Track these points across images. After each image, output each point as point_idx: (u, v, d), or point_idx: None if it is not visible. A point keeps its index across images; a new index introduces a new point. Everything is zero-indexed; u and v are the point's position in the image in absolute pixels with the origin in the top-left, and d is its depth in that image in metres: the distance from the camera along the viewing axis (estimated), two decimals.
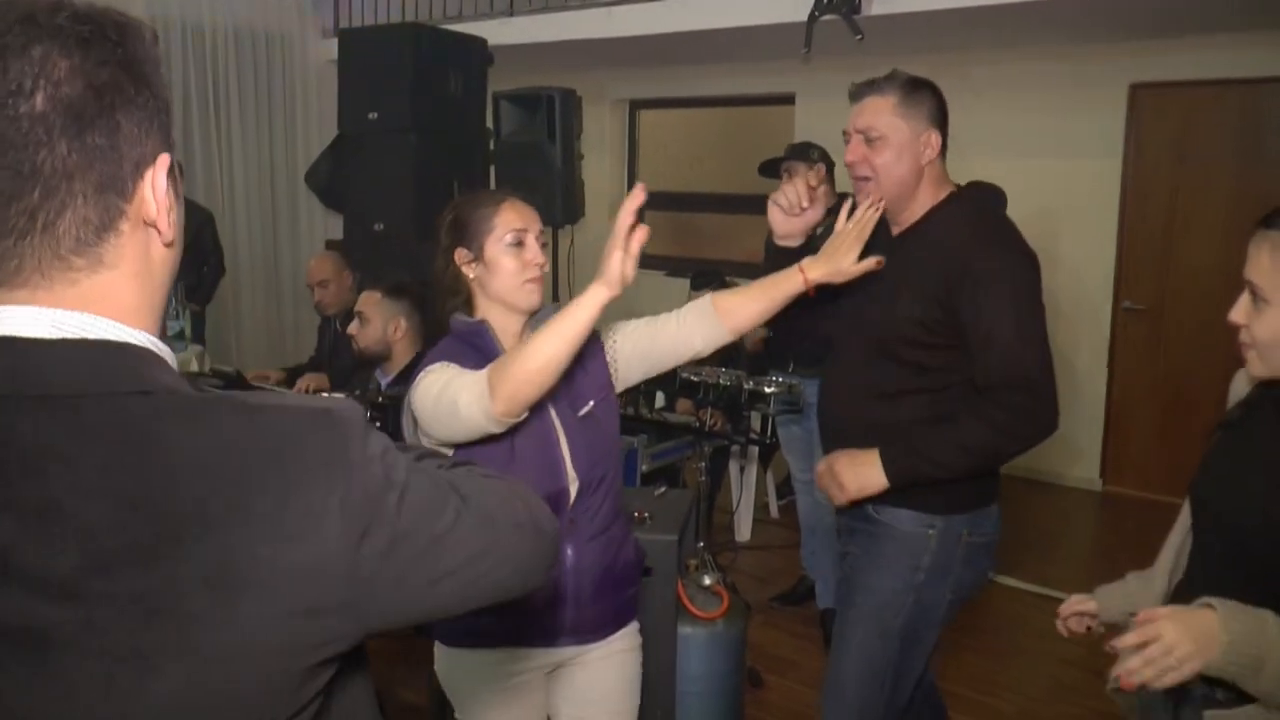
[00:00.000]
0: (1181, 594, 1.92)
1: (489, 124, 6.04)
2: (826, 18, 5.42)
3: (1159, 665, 1.53)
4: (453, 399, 1.94)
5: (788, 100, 7.21)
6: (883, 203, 2.43)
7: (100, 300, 0.95)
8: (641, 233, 1.87)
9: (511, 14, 6.98)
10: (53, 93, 0.89)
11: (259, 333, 8.00)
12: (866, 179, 2.45)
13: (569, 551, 2.15)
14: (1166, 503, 6.22)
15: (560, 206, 5.63)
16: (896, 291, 2.42)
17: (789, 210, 2.52)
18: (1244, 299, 1.71)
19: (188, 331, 5.72)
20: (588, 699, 2.32)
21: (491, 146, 6.02)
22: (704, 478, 4.11)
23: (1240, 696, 1.62)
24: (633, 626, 2.36)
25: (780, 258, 2.47)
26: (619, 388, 2.28)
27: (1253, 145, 6.04)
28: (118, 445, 0.88)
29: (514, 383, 1.87)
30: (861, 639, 2.56)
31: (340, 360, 4.73)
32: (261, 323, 8.08)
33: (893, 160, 2.42)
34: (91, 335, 0.92)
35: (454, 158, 5.92)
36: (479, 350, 2.15)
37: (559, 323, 1.87)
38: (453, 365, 2.05)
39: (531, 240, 2.17)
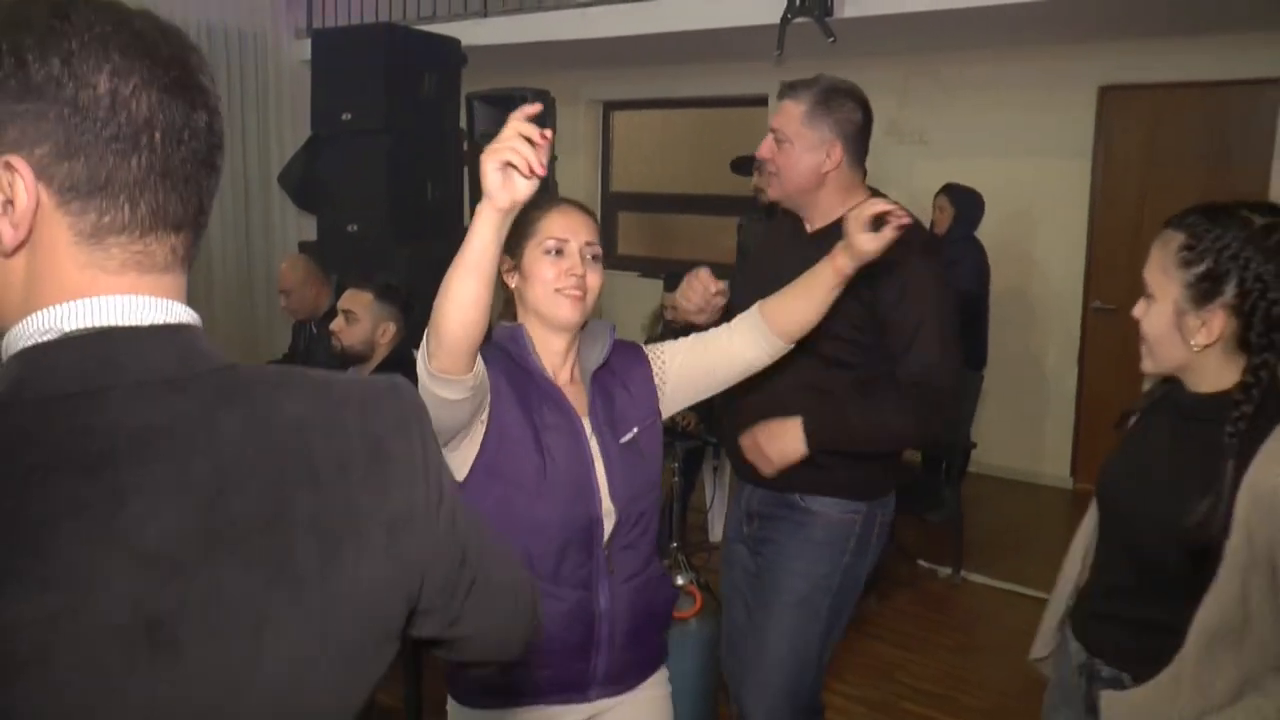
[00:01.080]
0: (1085, 592, 2.01)
1: (463, 125, 6.04)
2: (799, 20, 5.45)
3: None
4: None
5: (760, 102, 7.23)
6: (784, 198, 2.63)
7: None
8: (535, 135, 1.56)
9: (485, 15, 6.98)
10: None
11: (232, 334, 7.96)
12: (773, 174, 2.61)
13: (603, 594, 1.97)
14: None
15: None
16: None
17: (697, 313, 2.60)
18: (1142, 297, 1.79)
19: None
20: None
21: (465, 147, 6.02)
22: (677, 478, 4.13)
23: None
24: (664, 669, 2.19)
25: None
26: (666, 412, 2.13)
27: (1219, 146, 6.11)
28: (226, 414, 0.90)
29: (438, 331, 1.70)
30: (791, 625, 2.62)
31: (316, 360, 4.72)
32: (235, 324, 8.04)
33: (794, 163, 2.54)
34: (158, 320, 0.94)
35: (428, 159, 5.92)
36: (510, 355, 1.98)
37: (458, 255, 1.67)
38: None
39: (574, 250, 1.98)
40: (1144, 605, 1.80)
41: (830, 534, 2.60)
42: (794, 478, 2.56)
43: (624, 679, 2.06)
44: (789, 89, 2.57)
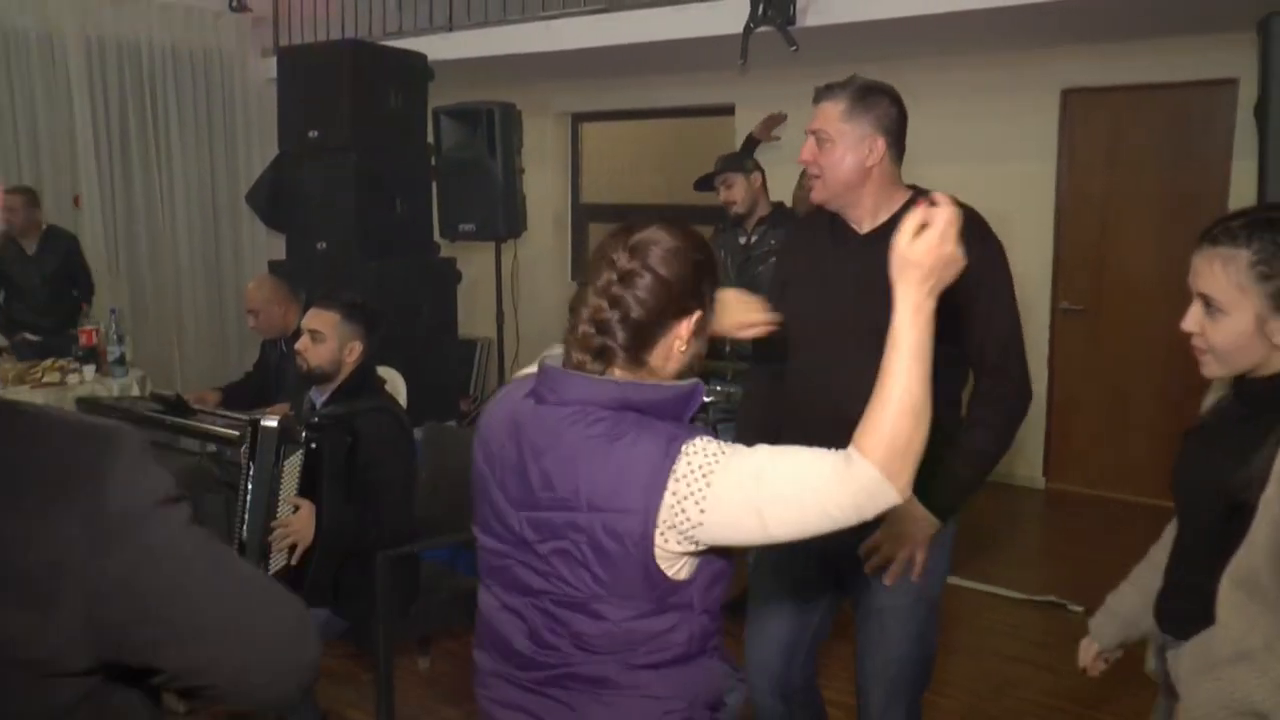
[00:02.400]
0: (1166, 593, 2.06)
1: (430, 140, 6.04)
2: (762, 29, 5.48)
3: None
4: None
5: (728, 111, 7.26)
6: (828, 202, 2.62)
7: None
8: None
9: (451, 29, 6.98)
10: None
11: (201, 353, 7.93)
12: (816, 176, 2.61)
13: None
14: (1108, 498, 6.40)
15: (502, 221, 5.65)
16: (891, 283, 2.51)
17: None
18: (1195, 309, 1.87)
19: (129, 357, 5.66)
20: None
21: (432, 163, 6.03)
22: None
23: None
24: None
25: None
26: None
27: (1180, 147, 6.17)
28: None
29: (916, 448, 1.67)
30: (921, 623, 2.68)
31: (286, 379, 4.71)
32: (205, 343, 8.01)
33: (837, 161, 2.56)
34: None
35: (395, 175, 5.93)
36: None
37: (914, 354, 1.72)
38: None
39: None
40: (1202, 572, 1.85)
41: (940, 533, 2.63)
42: None
43: None
44: (824, 91, 2.61)
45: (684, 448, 1.61)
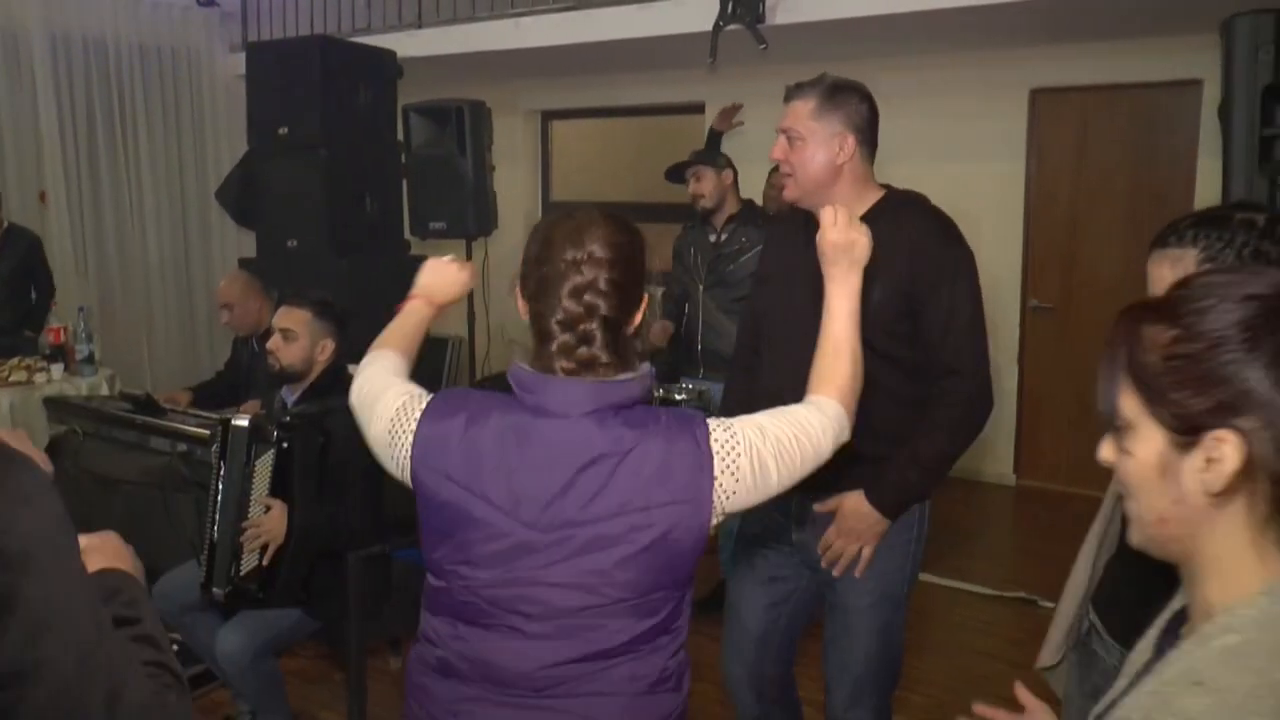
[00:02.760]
0: (1111, 568, 2.08)
1: (400, 137, 6.02)
2: (731, 27, 5.49)
3: None
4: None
5: (698, 109, 7.27)
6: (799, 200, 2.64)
7: None
8: None
9: (420, 26, 6.95)
10: None
11: (171, 353, 7.87)
12: (788, 175, 2.64)
13: None
14: (1077, 494, 6.45)
15: (472, 218, 5.63)
16: (865, 285, 2.53)
17: None
18: None
19: (97, 355, 5.61)
20: None
21: (402, 160, 6.00)
22: None
23: None
24: None
25: None
26: None
27: (1145, 146, 6.24)
28: None
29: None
30: (883, 622, 2.69)
31: (257, 377, 4.68)
32: (175, 342, 7.95)
33: (808, 159, 2.59)
34: None
35: (365, 172, 5.90)
36: None
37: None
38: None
39: None
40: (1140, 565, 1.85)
41: (901, 525, 2.64)
42: (858, 475, 2.55)
43: None
44: (794, 90, 2.63)
45: (708, 430, 1.71)
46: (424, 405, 1.82)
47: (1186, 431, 1.06)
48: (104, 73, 7.50)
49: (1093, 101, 6.37)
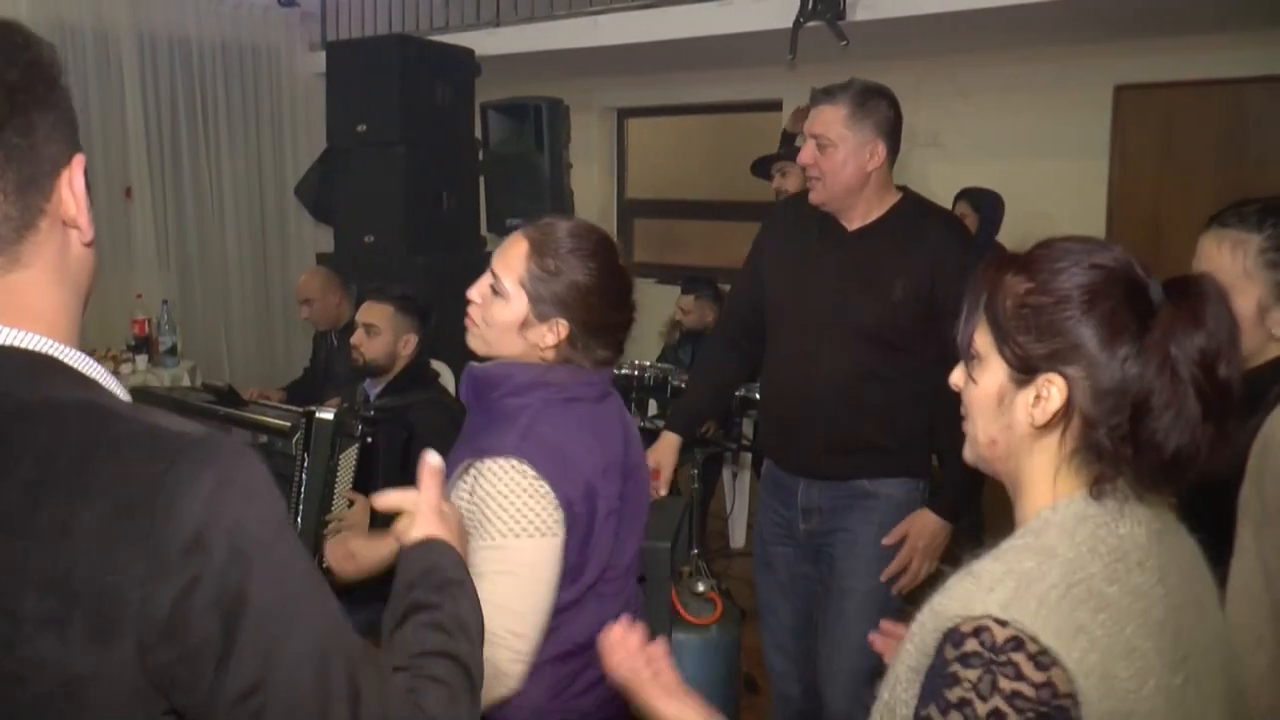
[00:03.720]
0: None
1: (477, 135, 6.06)
2: (811, 24, 5.44)
3: None
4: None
5: (775, 106, 7.22)
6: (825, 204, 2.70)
7: (9, 298, 0.96)
8: None
9: (498, 24, 6.98)
10: None
11: (249, 346, 7.99)
12: (816, 179, 2.66)
13: None
14: None
15: (549, 215, 5.64)
16: (883, 282, 2.63)
17: None
18: None
19: (179, 347, 5.71)
20: None
21: (480, 157, 6.04)
22: (696, 484, 4.13)
23: None
24: None
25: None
26: None
27: (1236, 145, 6.08)
28: None
29: None
30: (876, 608, 2.68)
31: (335, 372, 4.74)
32: (253, 335, 8.07)
33: (839, 166, 2.62)
34: None
35: (443, 169, 5.94)
36: None
37: None
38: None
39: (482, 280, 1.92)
40: None
41: (900, 514, 2.72)
42: (863, 464, 2.69)
43: None
44: (824, 95, 2.66)
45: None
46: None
47: (1024, 370, 1.23)
48: (188, 71, 7.64)
49: (1180, 98, 6.21)
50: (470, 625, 1.21)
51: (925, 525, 2.67)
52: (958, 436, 2.50)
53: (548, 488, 1.71)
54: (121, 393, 1.03)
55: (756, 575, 3.03)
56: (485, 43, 6.59)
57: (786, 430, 2.83)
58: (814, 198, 2.70)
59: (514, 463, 1.72)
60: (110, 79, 7.17)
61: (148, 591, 0.87)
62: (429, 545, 1.29)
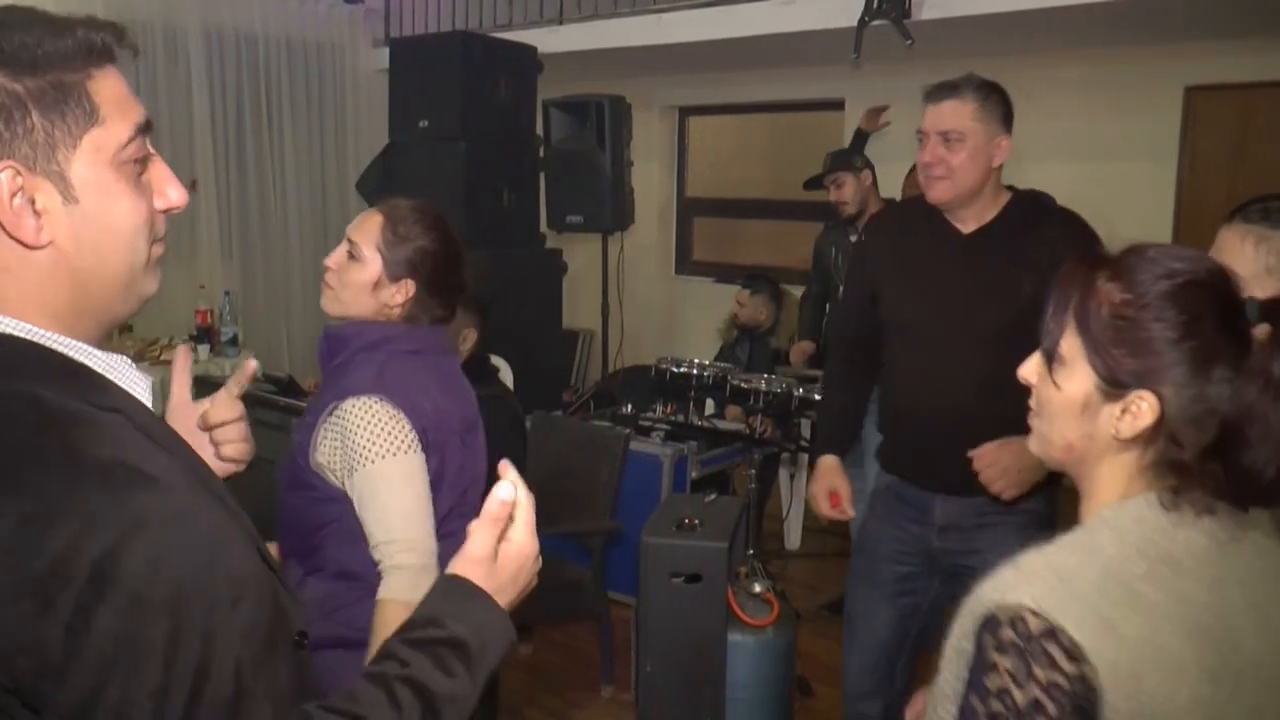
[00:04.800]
0: None
1: (538, 131, 6.07)
2: (876, 23, 5.40)
3: None
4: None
5: (837, 106, 7.18)
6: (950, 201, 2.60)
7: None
8: None
9: (561, 22, 7.00)
10: None
11: (308, 337, 8.05)
12: (942, 178, 2.57)
13: None
14: None
15: (610, 213, 5.66)
16: (1009, 285, 2.52)
17: None
18: None
19: (241, 338, 5.79)
20: None
21: (541, 154, 6.06)
22: (754, 485, 4.11)
23: None
24: None
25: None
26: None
27: None
28: None
29: None
30: None
31: None
32: (312, 328, 8.13)
33: (968, 161, 2.54)
34: None
35: (504, 166, 5.96)
36: None
37: None
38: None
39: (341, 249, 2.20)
40: None
41: (1043, 528, 2.60)
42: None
43: None
44: (946, 90, 2.58)
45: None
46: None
47: (1113, 383, 1.20)
48: (253, 66, 7.73)
49: (1255, 100, 6.08)
50: (440, 697, 1.06)
51: (1024, 454, 2.50)
52: None
53: (404, 415, 1.97)
54: (136, 387, 1.08)
55: (857, 589, 2.91)
56: (548, 40, 6.60)
57: (919, 446, 2.71)
58: (936, 196, 2.60)
59: (373, 398, 1.97)
60: (178, 73, 7.27)
61: (11, 608, 0.89)
62: (450, 588, 1.15)
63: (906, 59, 5.54)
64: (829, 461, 2.91)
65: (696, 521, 3.32)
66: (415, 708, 1.04)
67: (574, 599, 3.94)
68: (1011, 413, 2.56)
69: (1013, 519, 2.61)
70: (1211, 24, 5.60)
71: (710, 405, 4.73)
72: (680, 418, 4.65)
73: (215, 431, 1.53)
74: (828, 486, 2.86)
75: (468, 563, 1.15)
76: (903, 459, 2.79)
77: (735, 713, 3.32)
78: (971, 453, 2.50)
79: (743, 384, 4.32)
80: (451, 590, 1.14)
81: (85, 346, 1.03)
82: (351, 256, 2.15)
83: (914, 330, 2.70)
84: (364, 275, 2.12)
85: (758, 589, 3.41)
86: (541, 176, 6.09)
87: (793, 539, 5.53)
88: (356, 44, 8.32)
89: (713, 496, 3.64)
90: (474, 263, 5.67)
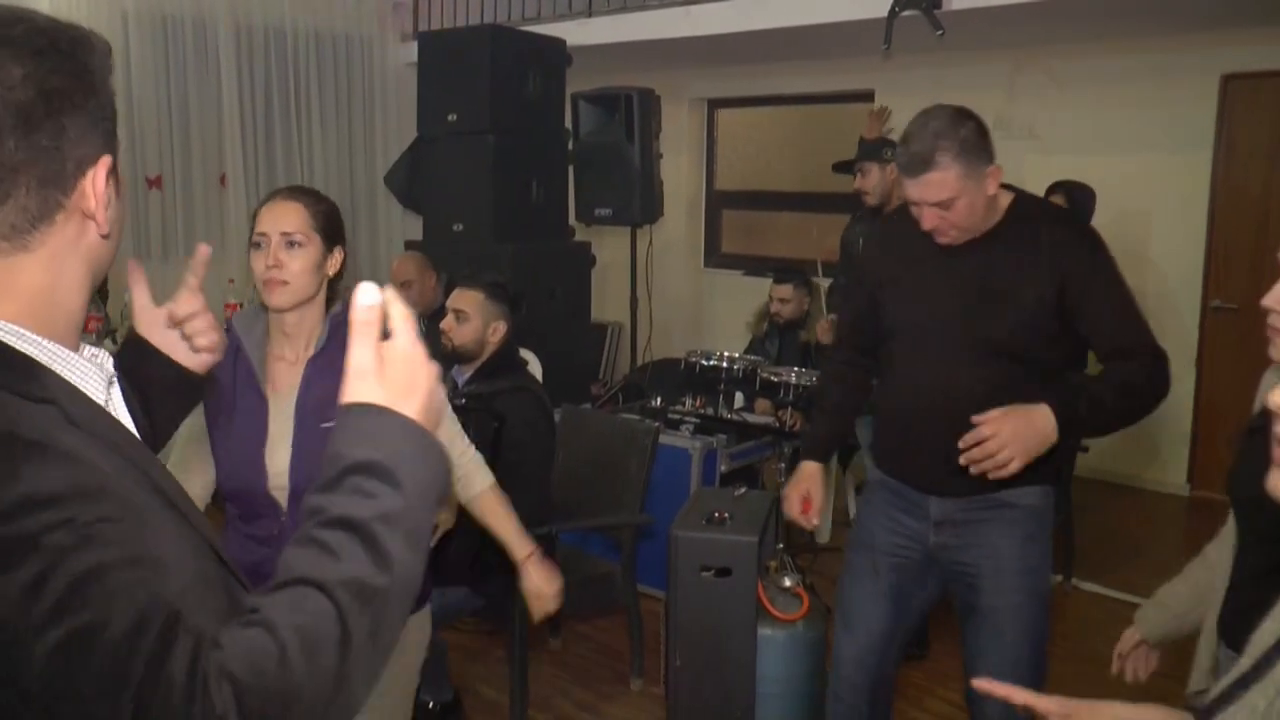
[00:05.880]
0: (1230, 598, 1.98)
1: (567, 124, 6.07)
2: (907, 13, 5.36)
3: None
4: None
5: (867, 97, 7.13)
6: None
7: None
8: None
9: (590, 15, 6.99)
10: (5, 96, 0.99)
11: None
12: (948, 234, 2.54)
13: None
14: None
15: (639, 206, 5.65)
16: (1010, 292, 2.52)
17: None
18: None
19: None
20: None
21: (570, 147, 6.05)
22: (783, 479, 4.09)
23: None
24: (416, 616, 2.46)
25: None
26: None
27: None
28: None
29: None
30: (1030, 622, 2.64)
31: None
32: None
33: (967, 212, 2.49)
34: None
35: (532, 159, 5.95)
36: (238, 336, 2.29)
37: None
38: None
39: (272, 242, 2.19)
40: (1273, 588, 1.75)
41: (1040, 523, 2.65)
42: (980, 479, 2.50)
43: None
44: (921, 164, 2.43)
45: None
46: None
47: None
48: (282, 60, 7.76)
49: None
50: (368, 521, 0.97)
51: (1033, 418, 2.39)
52: (1127, 369, 2.48)
53: None
54: (85, 382, 1.08)
55: (851, 586, 2.87)
56: (576, 33, 6.60)
57: (915, 453, 2.69)
58: (947, 240, 2.54)
59: None
60: (207, 68, 7.31)
61: None
62: (343, 421, 1.04)
63: (937, 49, 5.51)
64: (811, 467, 2.89)
65: (726, 515, 3.30)
66: (348, 541, 0.96)
67: (604, 592, 3.94)
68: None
69: (1009, 514, 2.61)
70: (1247, 10, 5.52)
71: (739, 398, 4.72)
72: (709, 411, 4.63)
73: (184, 326, 1.56)
74: (803, 491, 2.86)
75: (352, 381, 1.04)
76: (898, 461, 2.78)
77: (765, 706, 3.30)
78: (975, 418, 2.38)
79: (772, 377, 4.30)
80: (344, 422, 1.03)
81: (32, 336, 1.04)
82: (291, 244, 2.23)
83: (914, 336, 2.67)
84: (309, 257, 2.24)
85: (788, 583, 3.39)
86: (570, 170, 6.08)
87: (823, 533, 5.50)
88: (385, 38, 8.33)
89: (742, 490, 3.62)
90: (503, 256, 5.69)
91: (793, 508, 2.86)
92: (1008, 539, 2.62)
